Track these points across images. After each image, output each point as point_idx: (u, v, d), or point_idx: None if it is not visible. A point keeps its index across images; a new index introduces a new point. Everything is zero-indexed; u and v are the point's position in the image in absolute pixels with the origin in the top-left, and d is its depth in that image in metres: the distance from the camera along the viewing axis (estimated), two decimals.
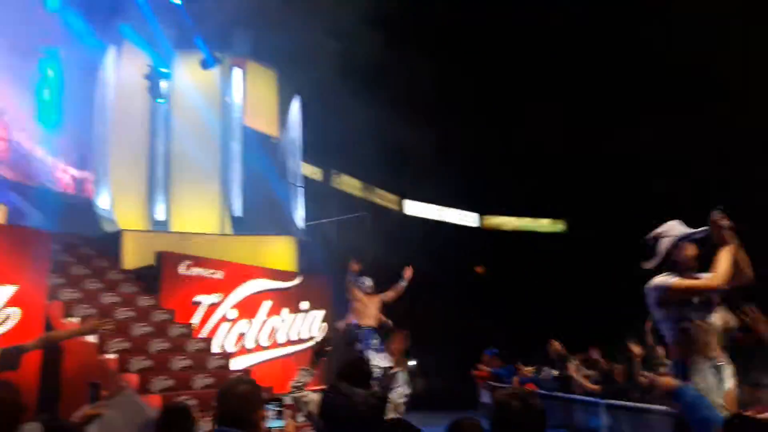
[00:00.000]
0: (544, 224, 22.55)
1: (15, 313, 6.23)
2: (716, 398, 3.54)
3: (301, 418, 4.22)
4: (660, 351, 6.95)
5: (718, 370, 3.67)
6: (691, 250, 4.07)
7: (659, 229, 4.23)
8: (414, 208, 19.60)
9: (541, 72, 17.89)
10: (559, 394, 8.69)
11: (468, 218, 20.99)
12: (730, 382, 3.66)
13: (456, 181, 17.44)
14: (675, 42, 15.00)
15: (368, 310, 7.06)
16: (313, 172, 14.50)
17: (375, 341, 6.78)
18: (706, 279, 3.68)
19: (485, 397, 9.43)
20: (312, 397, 3.66)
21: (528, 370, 9.51)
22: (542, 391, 8.26)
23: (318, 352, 3.84)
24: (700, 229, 4.14)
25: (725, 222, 3.63)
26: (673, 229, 4.19)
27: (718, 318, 3.81)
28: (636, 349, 7.58)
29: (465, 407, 8.26)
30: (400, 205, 19.25)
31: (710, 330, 3.73)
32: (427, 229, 18.42)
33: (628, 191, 17.04)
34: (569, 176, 18.98)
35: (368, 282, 7.32)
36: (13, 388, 2.36)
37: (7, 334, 5.97)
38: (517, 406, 2.16)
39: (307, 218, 12.27)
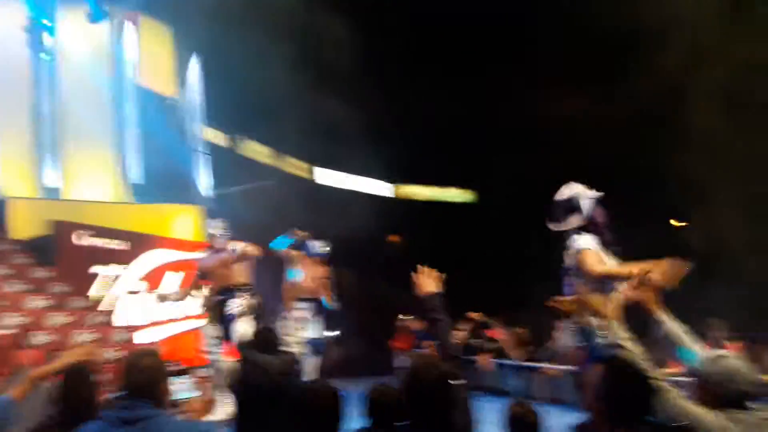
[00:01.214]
0: (454, 194, 22.85)
1: None
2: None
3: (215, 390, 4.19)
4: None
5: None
6: (602, 214, 4.26)
7: (570, 191, 4.28)
8: (326, 176, 19.18)
9: (458, 39, 17.88)
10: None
11: (381, 187, 20.84)
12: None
13: (370, 149, 17.20)
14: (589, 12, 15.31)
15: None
16: (217, 137, 13.75)
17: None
18: (624, 269, 3.83)
19: (399, 362, 9.52)
20: (227, 365, 3.85)
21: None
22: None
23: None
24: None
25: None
26: (585, 191, 4.27)
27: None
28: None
29: (380, 373, 8.20)
30: (311, 173, 18.77)
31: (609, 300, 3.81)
32: (340, 198, 18.12)
33: (535, 160, 17.47)
34: (479, 146, 19.24)
35: (319, 247, 6.88)
36: None
37: None
38: (428, 373, 2.24)
39: (214, 186, 11.66)
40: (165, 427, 2.24)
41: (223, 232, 6.13)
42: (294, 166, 17.95)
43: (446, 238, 17.13)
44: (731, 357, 2.53)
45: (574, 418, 3.25)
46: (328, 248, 6.78)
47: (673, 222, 18.50)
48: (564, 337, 4.33)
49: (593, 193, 4.20)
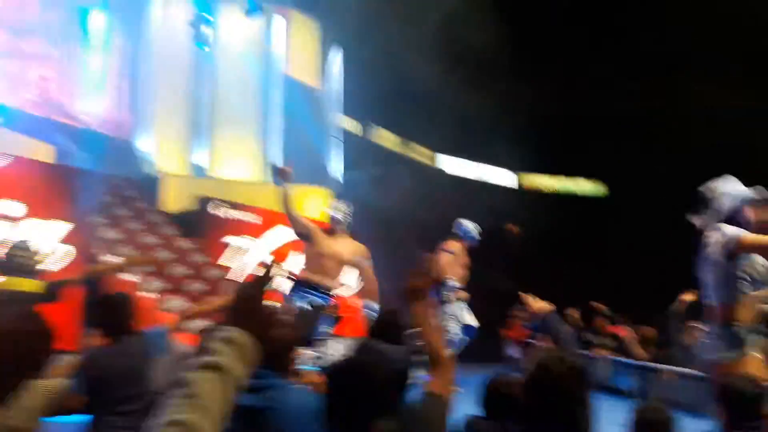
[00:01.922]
0: (583, 186, 22.18)
1: (70, 251, 6.42)
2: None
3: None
4: None
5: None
6: (755, 213, 3.93)
7: (714, 184, 4.03)
8: (450, 164, 19.39)
9: (590, 26, 17.31)
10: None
11: (506, 177, 20.73)
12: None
13: (496, 139, 17.18)
14: None
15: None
16: (351, 124, 14.44)
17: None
18: None
19: (512, 352, 9.62)
20: (337, 348, 3.76)
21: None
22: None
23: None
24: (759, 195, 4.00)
25: None
26: (734, 187, 3.99)
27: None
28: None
29: (491, 361, 8.40)
30: (436, 160, 19.04)
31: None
32: (464, 186, 18.27)
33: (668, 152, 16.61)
34: (609, 138, 18.54)
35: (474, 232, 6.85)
36: (40, 320, 2.25)
37: (63, 270, 6.18)
38: (556, 367, 2.05)
39: (344, 170, 12.31)
40: (290, 397, 2.25)
41: (345, 215, 5.57)
42: (420, 153, 18.36)
43: (576, 231, 16.76)
44: None
45: (699, 424, 3.23)
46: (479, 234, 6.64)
47: None
48: (704, 343, 4.09)
49: (746, 190, 3.92)
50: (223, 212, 8.95)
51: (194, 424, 1.15)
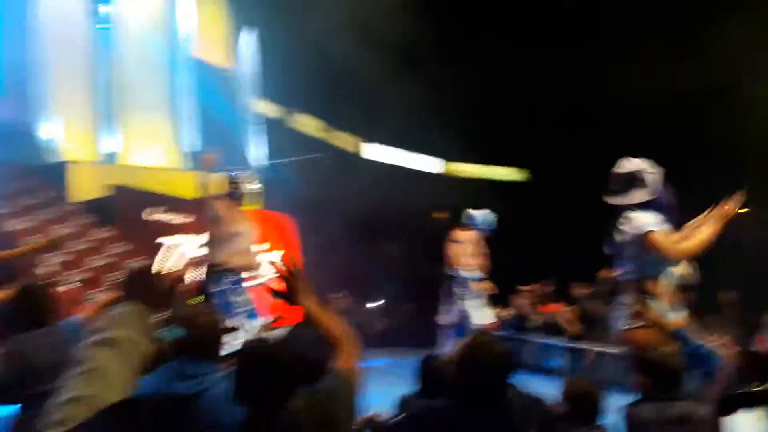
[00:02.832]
0: (506, 172, 22.60)
1: None
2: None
3: None
4: None
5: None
6: (670, 193, 4.16)
7: (632, 165, 4.16)
8: (375, 151, 19.19)
9: (514, 17, 17.52)
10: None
11: (432, 164, 20.78)
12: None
13: (421, 126, 17.11)
14: None
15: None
16: (270, 109, 13.92)
17: None
18: (702, 236, 3.86)
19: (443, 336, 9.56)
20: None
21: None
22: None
23: None
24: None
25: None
26: (648, 165, 4.15)
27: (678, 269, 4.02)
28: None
29: (423, 345, 8.26)
30: (360, 147, 18.81)
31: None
32: (389, 173, 18.13)
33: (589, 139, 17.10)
34: (532, 126, 18.93)
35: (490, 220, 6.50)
36: None
37: None
38: (482, 350, 2.22)
39: (265, 157, 11.86)
40: (221, 383, 2.22)
41: (244, 184, 5.32)
42: (344, 140, 18.04)
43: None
44: None
45: (623, 399, 3.21)
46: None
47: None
48: (616, 318, 4.25)
49: (656, 169, 4.10)
50: (144, 205, 8.51)
51: (93, 396, 1.22)
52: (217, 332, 2.39)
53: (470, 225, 6.64)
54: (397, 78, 14.50)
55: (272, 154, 12.05)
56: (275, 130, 12.81)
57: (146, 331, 1.38)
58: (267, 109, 13.37)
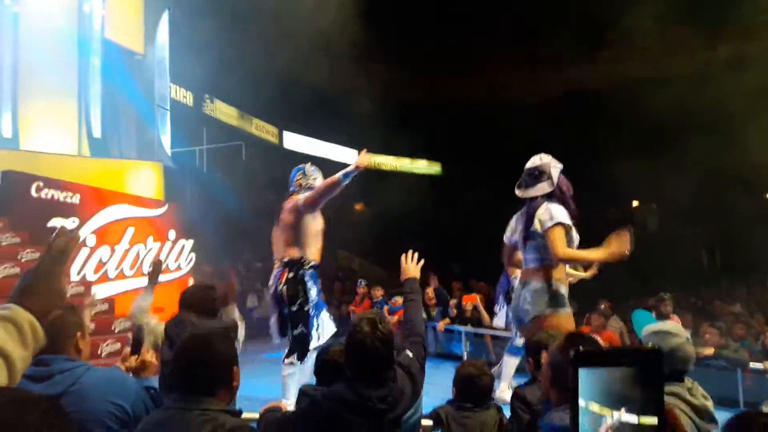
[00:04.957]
0: (421, 165, 23.00)
1: None
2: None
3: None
4: None
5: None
6: (569, 185, 4.48)
7: (540, 160, 4.44)
8: (294, 141, 19.09)
9: (433, 11, 17.84)
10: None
11: (348, 155, 20.87)
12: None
13: (340, 117, 17.15)
14: None
15: None
16: (184, 95, 13.55)
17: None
18: (587, 254, 4.18)
19: None
20: (154, 324, 3.74)
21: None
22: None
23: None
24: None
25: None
26: (554, 161, 4.44)
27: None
28: None
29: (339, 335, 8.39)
30: (279, 137, 18.64)
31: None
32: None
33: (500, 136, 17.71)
34: (448, 121, 19.38)
35: None
36: None
37: None
38: (366, 330, 2.33)
39: (177, 145, 11.56)
40: (85, 378, 2.22)
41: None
42: (262, 129, 17.83)
43: (413, 208, 17.34)
44: (673, 333, 2.58)
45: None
46: None
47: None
48: (524, 301, 4.49)
49: (559, 163, 4.37)
50: (38, 189, 8.03)
51: None
52: (73, 327, 2.40)
53: None
54: (315, 68, 14.50)
55: (183, 142, 11.76)
56: (188, 117, 12.52)
57: (26, 341, 1.22)
58: (180, 95, 13.02)
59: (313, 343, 4.92)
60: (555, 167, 4.35)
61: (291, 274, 4.90)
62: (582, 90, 16.12)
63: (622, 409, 1.01)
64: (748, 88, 11.61)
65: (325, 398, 2.32)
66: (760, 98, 11.68)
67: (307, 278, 4.93)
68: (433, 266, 10.71)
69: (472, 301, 9.68)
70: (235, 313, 4.05)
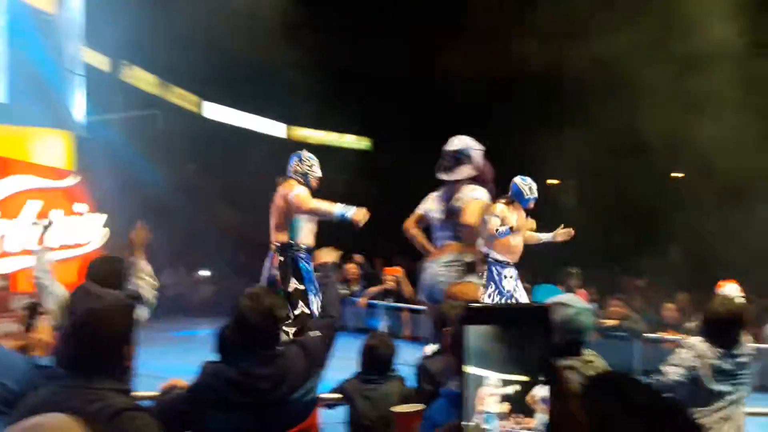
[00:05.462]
0: (349, 140, 22.90)
1: None
2: None
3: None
4: None
5: None
6: (490, 168, 4.62)
7: (460, 142, 4.51)
8: (215, 111, 18.51)
9: None
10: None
11: (274, 128, 20.50)
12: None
13: (264, 88, 16.78)
14: None
15: None
16: (98, 60, 12.85)
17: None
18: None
19: None
20: (59, 291, 3.62)
21: None
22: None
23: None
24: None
25: None
26: (473, 143, 4.51)
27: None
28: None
29: None
30: (200, 106, 18.03)
31: None
32: (230, 135, 17.63)
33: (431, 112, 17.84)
34: (379, 95, 19.33)
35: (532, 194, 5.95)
36: None
37: None
38: (247, 304, 2.37)
39: (92, 113, 11.00)
40: None
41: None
42: (182, 98, 17.18)
43: (342, 184, 17.26)
44: (567, 304, 2.55)
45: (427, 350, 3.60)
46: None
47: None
48: (436, 274, 4.62)
49: (480, 146, 4.46)
50: None
51: None
52: None
53: (511, 196, 6.00)
54: (240, 35, 14.04)
55: (97, 110, 11.20)
56: (102, 83, 11.89)
57: None
58: (94, 59, 12.32)
59: None
60: (476, 150, 4.41)
61: (282, 258, 4.83)
62: (513, 69, 16.37)
63: (514, 371, 1.05)
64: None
65: (211, 375, 2.38)
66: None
67: (299, 261, 4.86)
68: (360, 243, 10.79)
69: (396, 273, 9.82)
70: (142, 263, 3.88)
